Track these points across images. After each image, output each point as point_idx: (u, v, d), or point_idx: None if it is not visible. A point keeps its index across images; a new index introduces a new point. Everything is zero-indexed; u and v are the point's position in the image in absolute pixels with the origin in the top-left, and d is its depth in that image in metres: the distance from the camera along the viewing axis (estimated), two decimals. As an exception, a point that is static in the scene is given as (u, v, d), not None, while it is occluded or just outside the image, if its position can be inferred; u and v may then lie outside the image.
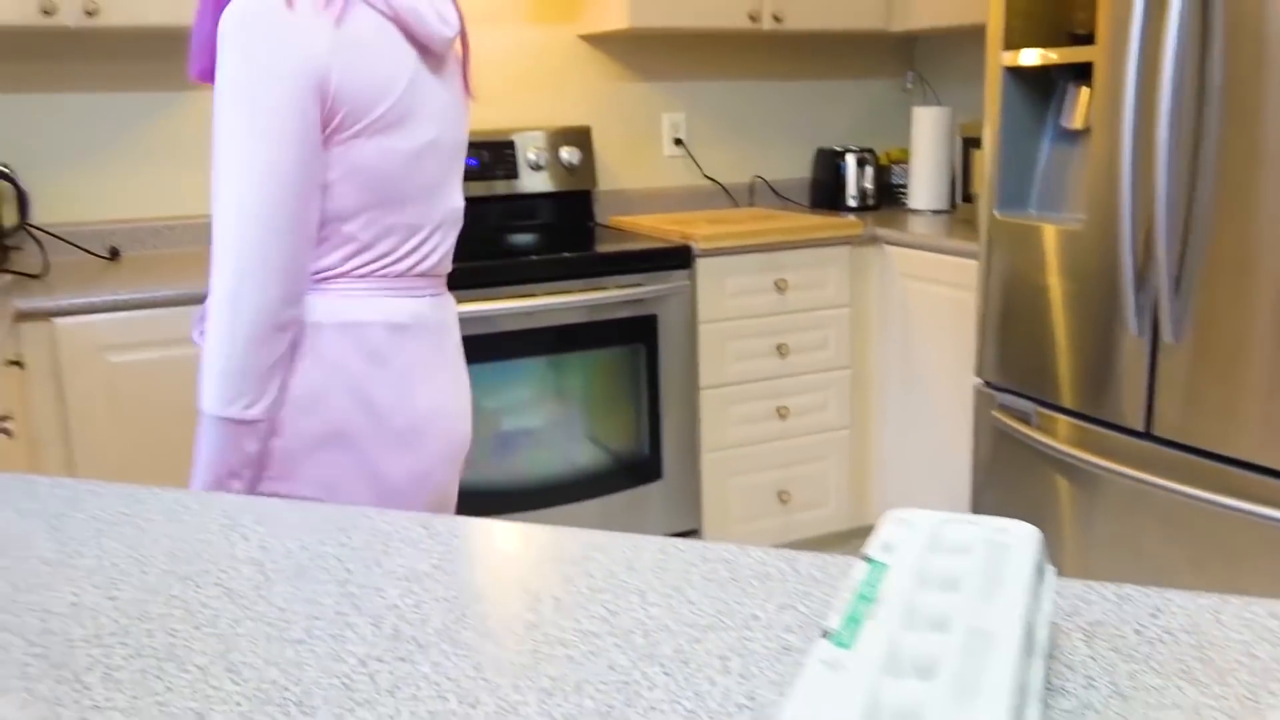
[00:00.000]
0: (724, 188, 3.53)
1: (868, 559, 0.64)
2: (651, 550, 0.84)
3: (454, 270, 2.54)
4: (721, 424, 2.93)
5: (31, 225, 2.60)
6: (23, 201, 2.54)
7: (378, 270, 1.37)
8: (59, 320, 2.20)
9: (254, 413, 1.29)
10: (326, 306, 1.34)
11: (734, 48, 3.49)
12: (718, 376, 2.90)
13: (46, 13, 2.32)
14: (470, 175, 3.07)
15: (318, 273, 1.34)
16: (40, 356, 2.20)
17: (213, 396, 1.28)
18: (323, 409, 1.35)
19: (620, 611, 0.74)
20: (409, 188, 1.36)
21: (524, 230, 3.15)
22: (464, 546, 0.87)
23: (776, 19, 3.09)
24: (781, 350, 2.96)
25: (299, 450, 1.35)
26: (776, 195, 3.60)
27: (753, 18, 3.08)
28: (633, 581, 0.79)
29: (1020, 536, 0.67)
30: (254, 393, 1.29)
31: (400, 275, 1.39)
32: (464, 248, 2.82)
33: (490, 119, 3.20)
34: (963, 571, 0.63)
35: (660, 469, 2.85)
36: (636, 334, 2.76)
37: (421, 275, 1.42)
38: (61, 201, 2.71)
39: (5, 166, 2.51)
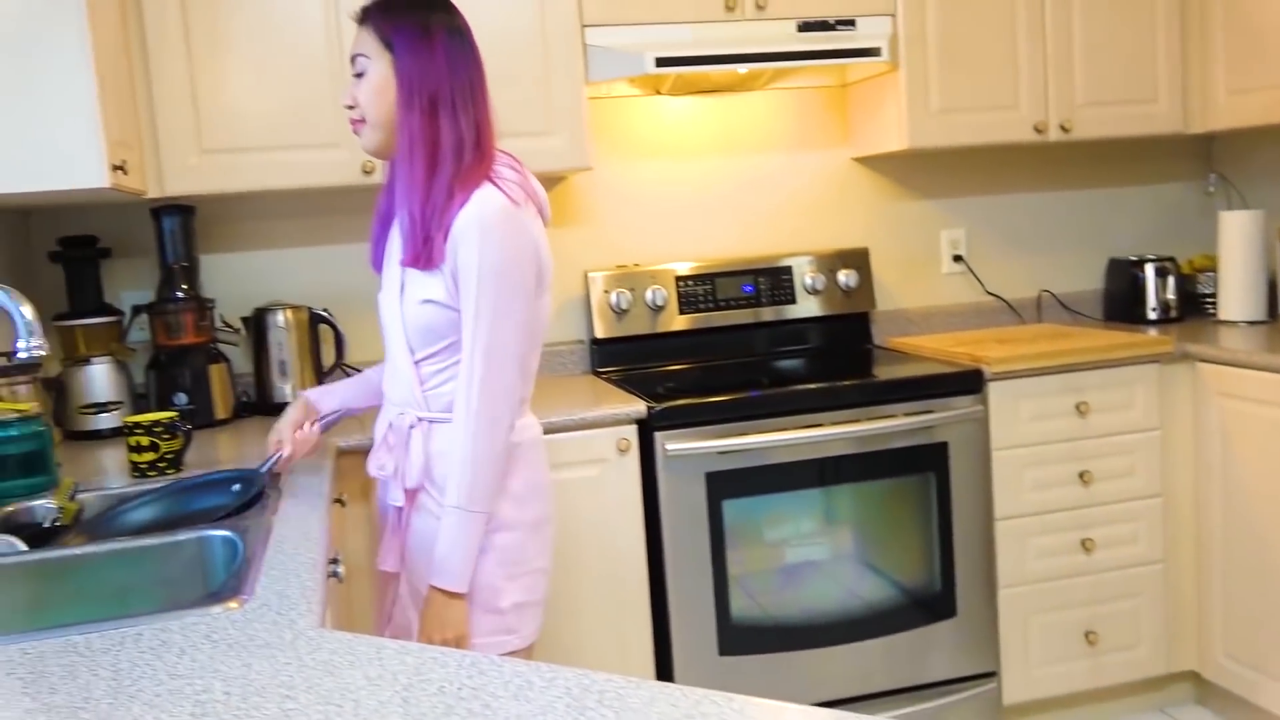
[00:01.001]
0: (1009, 304, 3.37)
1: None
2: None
3: (732, 400, 2.53)
4: (1020, 558, 2.74)
5: (347, 364, 2.79)
6: (339, 342, 2.73)
7: (529, 395, 1.84)
8: (372, 457, 2.32)
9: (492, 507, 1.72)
10: (523, 425, 1.80)
11: (1015, 159, 3.37)
12: (1014, 507, 2.73)
13: (366, 172, 2.53)
14: (745, 302, 3.07)
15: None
16: (354, 491, 2.33)
17: (479, 496, 1.68)
18: (537, 501, 1.81)
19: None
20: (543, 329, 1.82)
21: (799, 356, 3.11)
22: (824, 745, 0.81)
23: (1064, 129, 2.96)
24: (1085, 478, 2.75)
25: (521, 538, 1.77)
26: (1066, 309, 3.41)
27: (1039, 130, 2.96)
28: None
29: None
30: (497, 492, 1.72)
31: None
32: (740, 376, 2.81)
33: (766, 245, 3.20)
34: None
35: (954, 606, 2.69)
36: (926, 462, 2.64)
37: None
38: (371, 341, 2.90)
39: (326, 311, 2.72)
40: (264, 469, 1.86)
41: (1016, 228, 3.39)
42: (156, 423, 2.03)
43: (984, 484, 2.69)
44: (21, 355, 1.42)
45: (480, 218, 1.64)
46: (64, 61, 2.01)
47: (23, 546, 1.63)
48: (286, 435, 1.89)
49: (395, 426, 1.79)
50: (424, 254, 1.68)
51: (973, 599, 2.70)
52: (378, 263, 1.89)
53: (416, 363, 1.75)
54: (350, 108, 1.76)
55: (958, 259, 3.34)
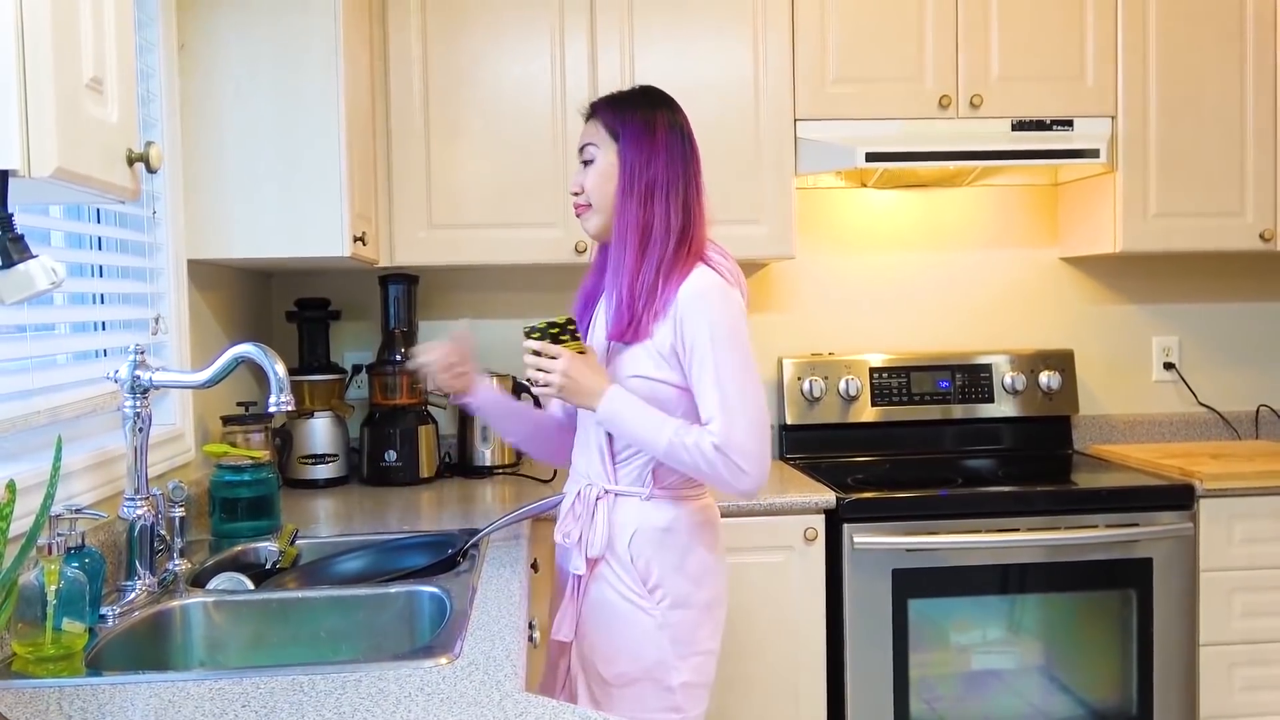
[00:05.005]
0: (1223, 416, 3.21)
1: None
2: None
3: (924, 497, 2.50)
4: (1225, 689, 2.58)
5: (544, 434, 2.90)
6: (538, 412, 2.84)
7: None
8: (565, 526, 2.40)
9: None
10: (702, 505, 1.87)
11: (1235, 267, 3.23)
12: (1222, 633, 2.57)
13: (579, 252, 2.64)
14: (939, 398, 3.03)
15: None
16: (544, 557, 2.40)
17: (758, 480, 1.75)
18: (711, 582, 1.84)
19: None
20: None
21: (994, 456, 3.04)
22: None
23: (1294, 239, 2.83)
24: (1303, 610, 2.57)
25: (695, 617, 1.81)
26: (1287, 427, 3.22)
27: (1265, 238, 2.84)
28: None
29: None
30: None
31: None
32: (931, 472, 2.77)
33: (965, 341, 3.16)
34: None
35: (1151, 733, 2.54)
36: (1126, 578, 2.52)
37: None
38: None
39: (528, 380, 2.83)
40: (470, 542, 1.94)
41: (1235, 338, 3.24)
42: (553, 324, 1.82)
43: (1189, 606, 2.55)
44: (272, 408, 1.56)
45: (703, 290, 1.75)
46: (321, 146, 2.22)
47: (250, 585, 1.76)
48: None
49: (583, 496, 1.86)
50: (630, 330, 1.78)
51: (1172, 728, 2.55)
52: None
53: (611, 435, 1.82)
54: (577, 194, 1.88)
55: (1169, 367, 3.21)
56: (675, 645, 1.80)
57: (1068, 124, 2.75)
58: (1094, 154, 2.72)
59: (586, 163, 1.87)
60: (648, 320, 1.77)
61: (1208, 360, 3.24)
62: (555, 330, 1.79)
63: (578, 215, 1.90)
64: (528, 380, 1.81)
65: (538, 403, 2.04)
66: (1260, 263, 3.24)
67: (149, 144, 1.12)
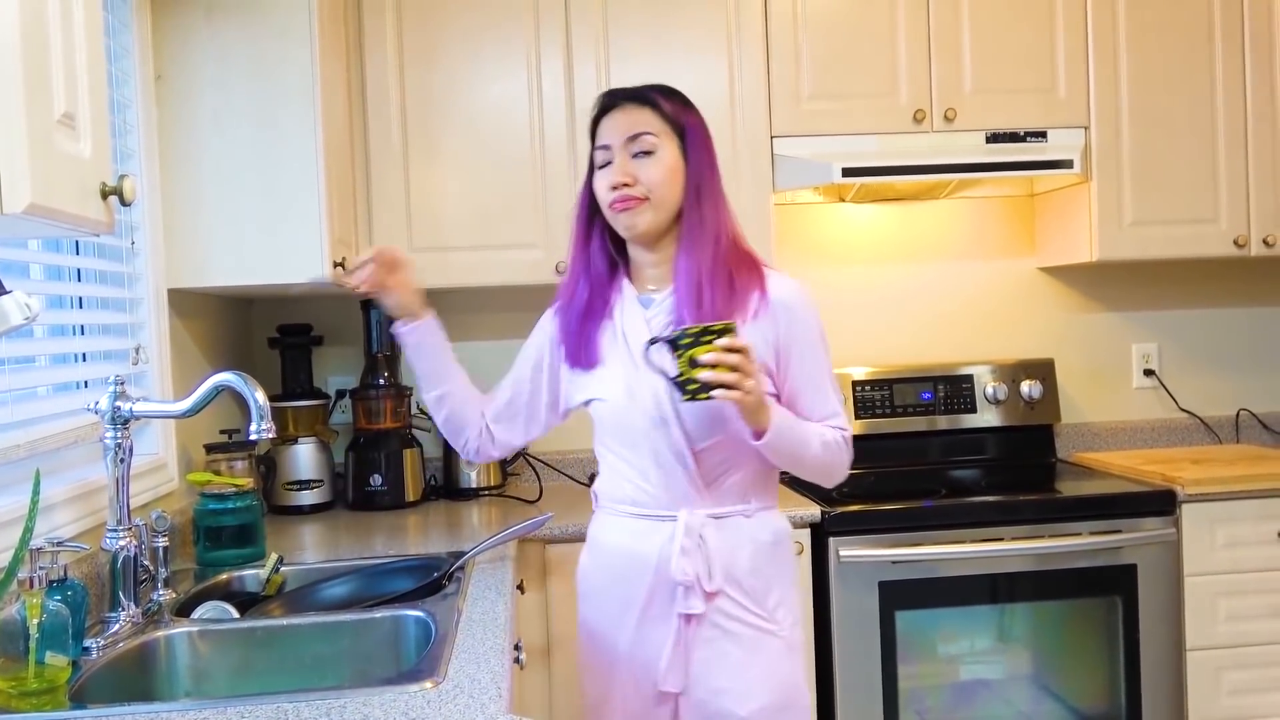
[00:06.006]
0: (1203, 421, 3.23)
1: None
2: None
3: (908, 509, 2.52)
4: (1213, 693, 2.59)
5: (529, 455, 2.90)
6: (523, 432, 2.84)
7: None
8: (551, 547, 2.40)
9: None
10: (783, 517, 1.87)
11: (1212, 273, 3.26)
12: (1208, 638, 2.58)
13: (560, 272, 2.65)
14: (923, 409, 3.05)
15: None
16: (531, 578, 2.40)
17: (814, 458, 1.70)
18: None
19: None
20: None
21: (978, 466, 3.05)
22: None
23: (1268, 244, 2.86)
24: (1287, 612, 2.59)
25: (803, 634, 1.81)
26: (1267, 430, 3.24)
27: (1239, 244, 2.86)
28: None
29: None
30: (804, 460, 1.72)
31: None
32: (915, 484, 2.79)
33: (946, 353, 3.18)
34: None
35: (1140, 739, 2.55)
36: (1111, 585, 2.53)
37: None
38: (553, 432, 2.99)
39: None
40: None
41: (1213, 343, 3.27)
42: (709, 329, 1.57)
43: (1175, 612, 2.56)
44: (253, 436, 1.56)
45: (800, 290, 1.74)
46: (299, 172, 2.22)
47: (235, 613, 1.76)
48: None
49: (689, 528, 1.69)
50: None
51: (1161, 734, 2.56)
52: (581, 357, 1.83)
53: (698, 454, 1.69)
54: (629, 184, 1.68)
55: (1149, 373, 3.24)
56: (801, 670, 1.76)
57: (1041, 135, 2.77)
58: (1068, 164, 2.75)
59: (643, 153, 1.68)
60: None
61: (1187, 366, 3.26)
62: (713, 336, 1.52)
63: (623, 209, 1.68)
64: (705, 383, 1.52)
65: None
66: (1236, 268, 3.27)
67: (123, 177, 1.12)
